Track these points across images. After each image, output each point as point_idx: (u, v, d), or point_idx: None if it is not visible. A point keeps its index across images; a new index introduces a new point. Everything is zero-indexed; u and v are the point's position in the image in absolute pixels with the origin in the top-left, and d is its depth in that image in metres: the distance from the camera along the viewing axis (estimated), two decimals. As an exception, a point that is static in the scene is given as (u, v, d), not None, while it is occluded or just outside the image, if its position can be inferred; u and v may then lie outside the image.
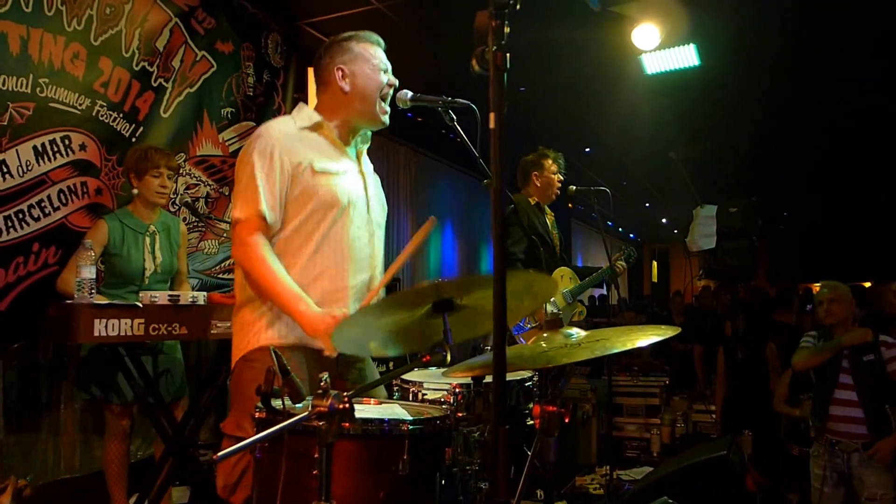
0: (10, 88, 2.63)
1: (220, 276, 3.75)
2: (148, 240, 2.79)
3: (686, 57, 4.59)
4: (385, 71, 1.81)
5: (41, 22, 2.73)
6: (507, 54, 0.83)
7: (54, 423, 3.06)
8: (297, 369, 1.55)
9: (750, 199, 3.78)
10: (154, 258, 2.79)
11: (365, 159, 1.89)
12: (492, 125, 0.82)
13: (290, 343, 1.64)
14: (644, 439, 4.77)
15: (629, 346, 1.15)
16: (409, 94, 1.73)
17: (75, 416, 3.14)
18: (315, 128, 1.76)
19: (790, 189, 9.67)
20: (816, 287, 3.20)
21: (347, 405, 0.91)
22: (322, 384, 0.95)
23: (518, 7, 0.82)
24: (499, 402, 0.80)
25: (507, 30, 0.83)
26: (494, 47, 0.82)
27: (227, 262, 3.79)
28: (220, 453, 0.85)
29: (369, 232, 1.80)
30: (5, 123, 2.62)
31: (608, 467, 3.75)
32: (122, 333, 2.24)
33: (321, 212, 1.69)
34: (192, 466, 2.69)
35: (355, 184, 1.78)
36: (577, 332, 1.26)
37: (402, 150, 6.82)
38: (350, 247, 1.72)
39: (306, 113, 1.80)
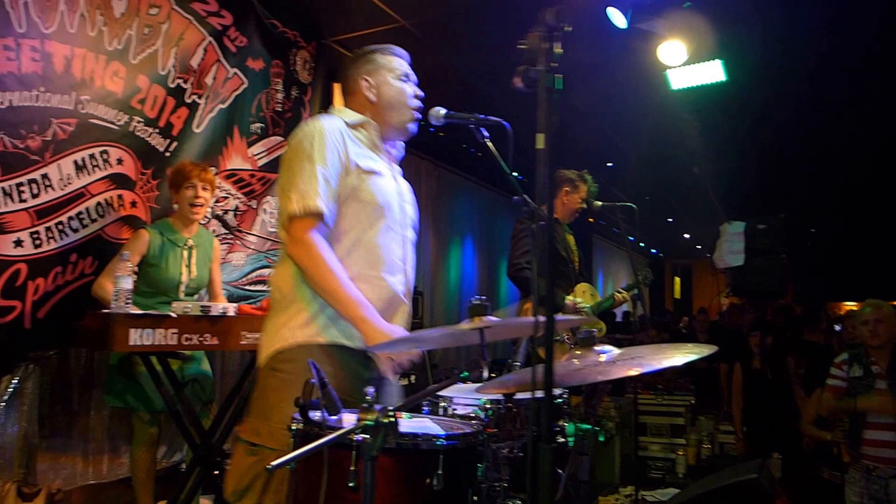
0: (54, 105, 2.72)
1: (247, 287, 3.80)
2: (185, 253, 2.85)
3: (712, 72, 4.58)
4: (409, 80, 1.85)
5: (84, 42, 2.83)
6: (560, 76, 0.85)
7: (83, 429, 3.11)
8: (334, 368, 1.57)
9: (778, 215, 3.75)
10: (189, 271, 2.85)
11: (398, 167, 1.91)
12: (539, 145, 0.84)
13: (326, 342, 1.62)
14: (669, 459, 4.69)
15: (665, 365, 1.15)
16: (443, 111, 1.75)
17: (104, 423, 3.20)
18: (360, 126, 1.77)
19: (817, 205, 9.51)
20: (848, 306, 3.15)
21: (393, 419, 0.92)
22: (368, 398, 0.97)
23: (569, 29, 0.84)
24: (545, 419, 0.81)
25: (557, 51, 0.85)
26: (545, 69, 0.84)
27: (255, 274, 3.85)
28: (274, 462, 0.86)
29: (402, 235, 1.80)
30: (49, 139, 2.71)
31: (633, 488, 3.70)
32: (156, 343, 2.29)
33: (358, 210, 1.68)
34: (219, 475, 2.72)
35: (391, 186, 1.79)
36: (611, 350, 1.26)
37: (423, 164, 6.87)
38: (382, 248, 1.72)
39: (349, 112, 1.80)
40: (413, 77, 1.87)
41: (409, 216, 1.86)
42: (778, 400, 4.21)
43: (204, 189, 2.87)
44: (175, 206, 2.92)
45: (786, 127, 5.93)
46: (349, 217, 1.68)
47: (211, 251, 3.00)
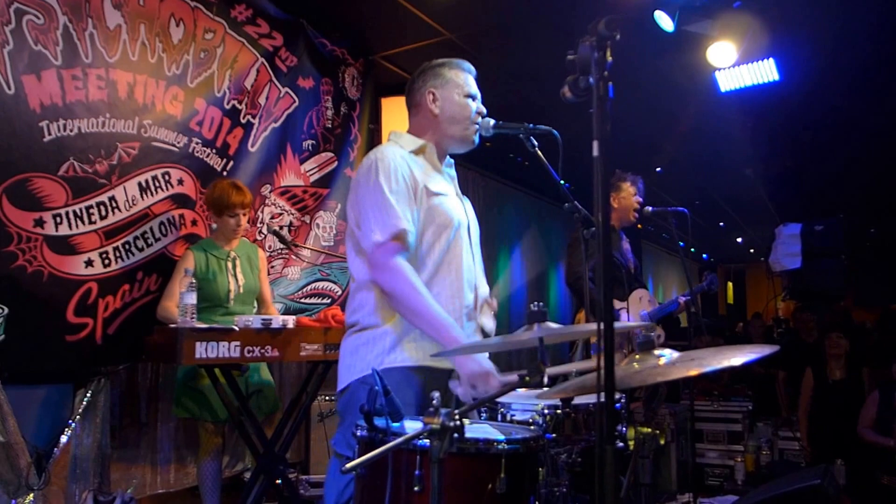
0: (119, 130, 2.88)
1: (303, 300, 3.91)
2: (230, 264, 2.97)
3: (765, 72, 4.44)
4: (474, 98, 1.87)
5: (145, 68, 2.99)
6: (610, 83, 0.87)
7: (151, 440, 3.24)
8: (420, 389, 1.62)
9: (837, 216, 3.63)
10: (237, 280, 2.96)
11: (457, 183, 1.94)
12: (595, 153, 0.86)
13: (413, 365, 1.66)
14: (727, 466, 4.56)
15: (725, 365, 1.14)
16: (492, 121, 1.78)
17: (170, 433, 3.32)
18: (419, 151, 1.82)
19: (876, 205, 9.09)
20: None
21: (459, 423, 0.94)
22: (434, 402, 0.99)
23: (618, 37, 0.86)
24: (607, 421, 0.82)
25: (609, 59, 0.87)
26: (598, 77, 0.86)
27: (309, 287, 3.95)
28: (349, 464, 0.90)
29: (473, 254, 1.84)
30: (115, 162, 2.87)
31: (690, 495, 3.62)
32: (220, 356, 2.38)
33: (437, 234, 1.72)
34: (282, 484, 2.80)
35: (457, 206, 1.82)
36: (670, 353, 1.26)
37: (470, 174, 6.91)
38: (461, 268, 1.75)
39: (407, 138, 1.85)
40: (478, 93, 1.89)
41: (474, 234, 1.89)
42: (848, 407, 4.06)
43: (244, 215, 2.98)
44: (213, 226, 3.05)
45: (842, 124, 5.70)
46: (429, 240, 1.71)
47: (256, 259, 3.11)
